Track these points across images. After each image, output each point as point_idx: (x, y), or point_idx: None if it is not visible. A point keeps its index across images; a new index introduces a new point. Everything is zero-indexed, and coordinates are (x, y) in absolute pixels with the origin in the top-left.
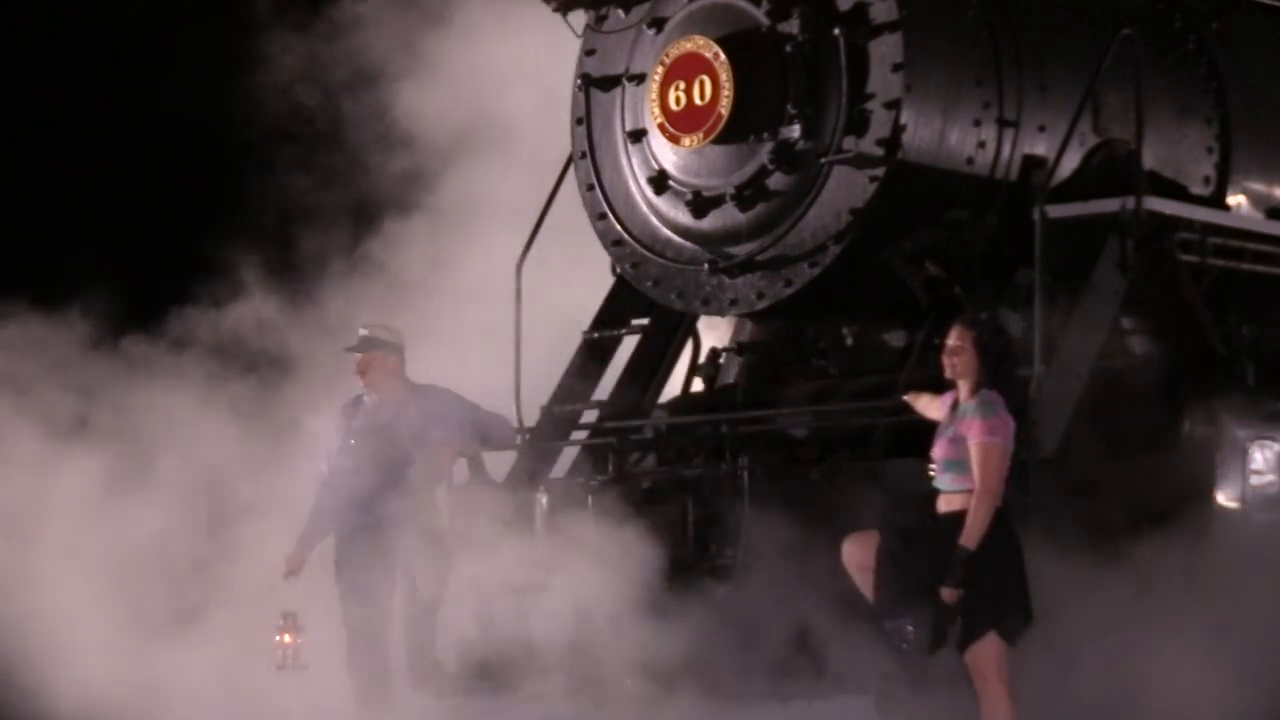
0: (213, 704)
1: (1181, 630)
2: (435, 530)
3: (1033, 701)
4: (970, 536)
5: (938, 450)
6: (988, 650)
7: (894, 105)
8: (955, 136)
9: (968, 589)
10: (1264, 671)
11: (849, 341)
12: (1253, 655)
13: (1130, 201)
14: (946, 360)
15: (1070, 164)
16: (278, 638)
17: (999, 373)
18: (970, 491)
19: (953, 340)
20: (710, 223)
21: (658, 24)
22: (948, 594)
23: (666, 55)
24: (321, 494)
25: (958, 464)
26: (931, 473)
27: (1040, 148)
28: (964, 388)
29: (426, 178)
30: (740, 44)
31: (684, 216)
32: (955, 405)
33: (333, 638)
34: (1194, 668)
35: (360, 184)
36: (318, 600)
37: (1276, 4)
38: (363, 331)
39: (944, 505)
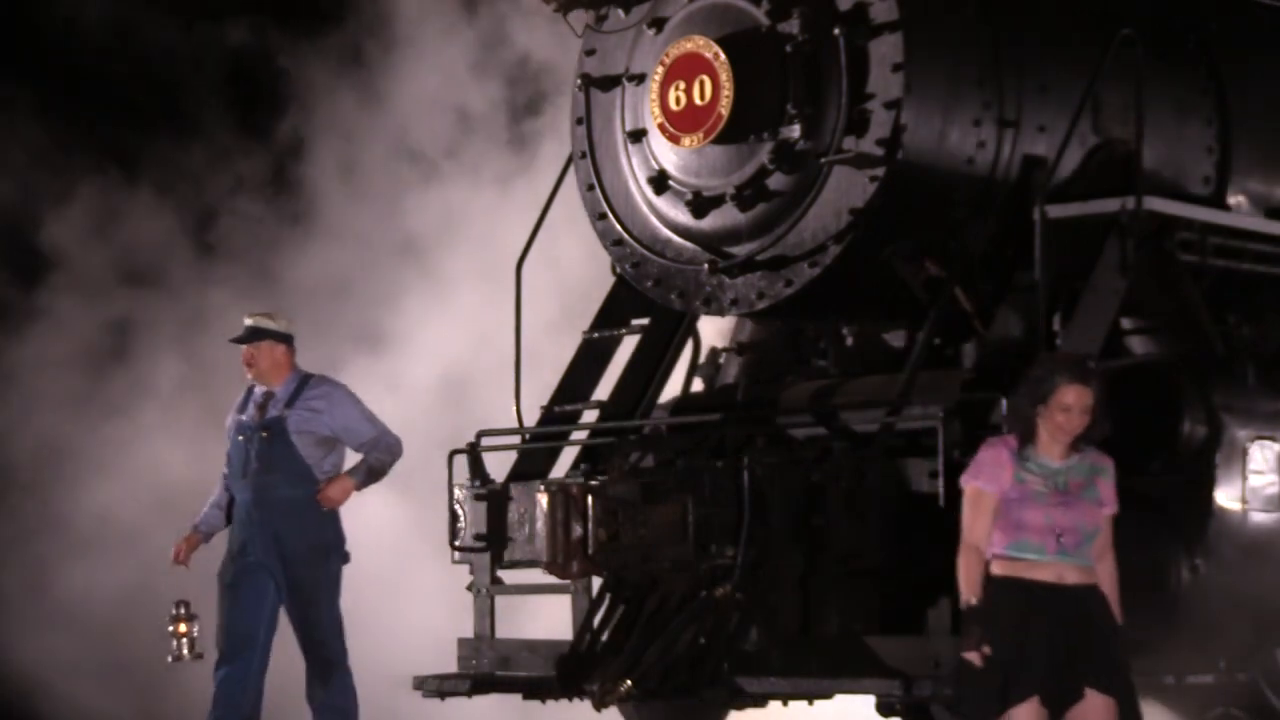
0: None
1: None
2: (319, 534)
3: None
4: (1121, 614)
5: (1078, 517)
6: None
7: (894, 105)
8: (955, 136)
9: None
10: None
11: (849, 341)
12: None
13: (1130, 201)
14: (1076, 421)
15: (1070, 164)
16: (171, 628)
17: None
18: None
19: (1080, 399)
20: (710, 223)
21: (658, 24)
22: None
23: (666, 55)
24: (221, 487)
25: (1095, 533)
26: (1060, 545)
27: (1040, 148)
28: (1064, 444)
29: None
30: (740, 44)
31: (684, 216)
32: (1025, 458)
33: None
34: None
35: None
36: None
37: (1277, 4)
38: (247, 321)
39: (1077, 577)
